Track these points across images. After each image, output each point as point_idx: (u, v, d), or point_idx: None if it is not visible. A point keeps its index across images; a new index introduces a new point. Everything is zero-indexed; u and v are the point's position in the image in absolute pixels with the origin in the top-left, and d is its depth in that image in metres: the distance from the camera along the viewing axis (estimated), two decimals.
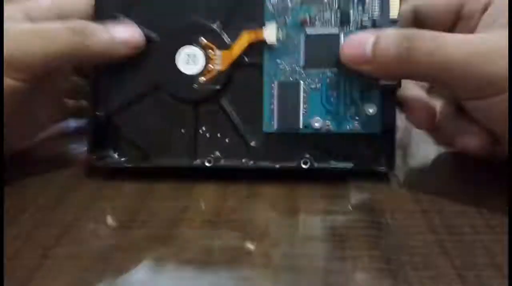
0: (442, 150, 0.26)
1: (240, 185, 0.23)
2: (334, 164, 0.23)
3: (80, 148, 0.28)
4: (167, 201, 0.22)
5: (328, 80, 0.22)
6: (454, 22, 0.23)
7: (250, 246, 0.18)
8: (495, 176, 0.23)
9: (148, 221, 0.20)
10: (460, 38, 0.19)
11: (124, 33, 0.23)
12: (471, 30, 0.21)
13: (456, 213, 0.20)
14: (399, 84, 0.21)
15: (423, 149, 0.27)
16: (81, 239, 0.19)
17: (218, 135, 0.23)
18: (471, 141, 0.22)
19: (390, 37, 0.19)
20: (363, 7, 0.21)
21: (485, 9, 0.21)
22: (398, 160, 0.25)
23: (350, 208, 0.21)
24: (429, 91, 0.24)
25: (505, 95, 0.18)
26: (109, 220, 0.21)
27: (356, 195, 0.22)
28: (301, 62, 0.22)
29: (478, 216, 0.20)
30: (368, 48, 0.19)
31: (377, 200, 0.21)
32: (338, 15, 0.22)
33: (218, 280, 0.16)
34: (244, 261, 0.18)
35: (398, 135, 0.28)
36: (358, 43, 0.20)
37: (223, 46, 0.23)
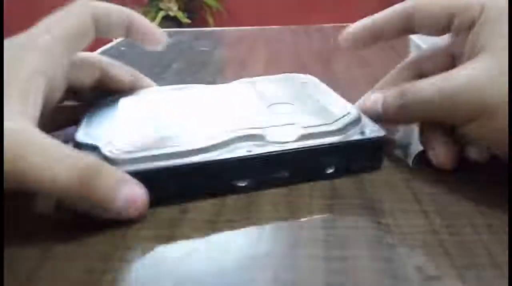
0: None
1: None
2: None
3: None
4: None
5: None
6: (445, 30, 0.25)
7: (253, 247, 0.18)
8: (495, 176, 0.23)
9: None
10: (439, 81, 0.22)
11: (130, 191, 0.19)
12: (461, 46, 0.24)
13: (456, 213, 0.20)
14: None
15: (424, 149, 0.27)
16: (81, 239, 0.19)
17: None
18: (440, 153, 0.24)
19: (390, 97, 0.24)
20: None
21: (471, 25, 0.23)
22: (399, 160, 0.25)
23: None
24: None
25: (486, 120, 0.21)
26: None
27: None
28: None
29: (478, 216, 0.20)
30: (380, 107, 0.25)
31: (377, 200, 0.21)
32: None
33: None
34: (245, 262, 0.18)
35: (399, 135, 0.28)
36: (373, 102, 0.25)
37: None
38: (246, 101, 0.27)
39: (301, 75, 0.31)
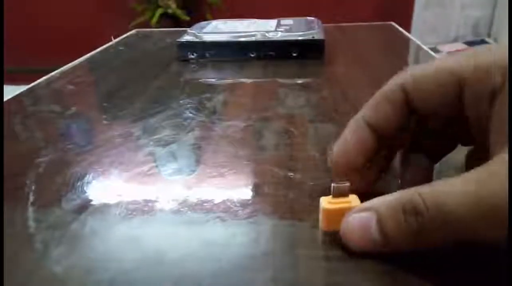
0: None
1: None
2: None
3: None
4: None
5: None
6: (457, 108, 0.18)
7: (251, 246, 0.18)
8: None
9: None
10: (461, 192, 0.15)
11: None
12: (485, 120, 0.17)
13: None
14: None
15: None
16: (81, 238, 0.19)
17: None
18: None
19: (392, 216, 0.17)
20: None
21: (493, 95, 0.17)
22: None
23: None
24: None
25: None
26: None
27: None
28: None
29: None
30: (375, 234, 0.17)
31: None
32: None
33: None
34: (244, 262, 0.18)
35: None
36: (361, 229, 0.17)
37: None
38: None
39: None
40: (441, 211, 0.15)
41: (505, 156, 0.15)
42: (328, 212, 0.19)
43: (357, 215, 0.18)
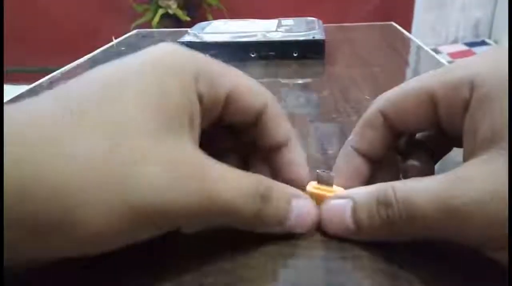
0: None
1: None
2: None
3: None
4: None
5: None
6: (433, 121, 0.19)
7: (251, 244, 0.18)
8: None
9: None
10: (431, 190, 0.16)
11: (305, 211, 0.18)
12: (460, 132, 0.18)
13: None
14: None
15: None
16: None
17: None
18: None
19: (366, 205, 0.18)
20: None
21: (464, 109, 0.18)
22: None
23: None
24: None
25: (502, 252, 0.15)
26: None
27: None
28: None
29: None
30: (349, 221, 0.18)
31: None
32: None
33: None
34: (245, 262, 0.18)
35: None
36: (337, 215, 0.18)
37: None
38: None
39: None
40: (409, 206, 0.16)
41: (473, 162, 0.16)
42: (310, 194, 0.19)
43: (335, 201, 0.19)
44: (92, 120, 0.14)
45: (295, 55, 0.48)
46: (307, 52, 0.48)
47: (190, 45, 0.49)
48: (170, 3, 1.96)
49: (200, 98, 0.17)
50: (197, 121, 0.17)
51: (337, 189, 0.20)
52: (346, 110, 0.33)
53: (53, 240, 0.14)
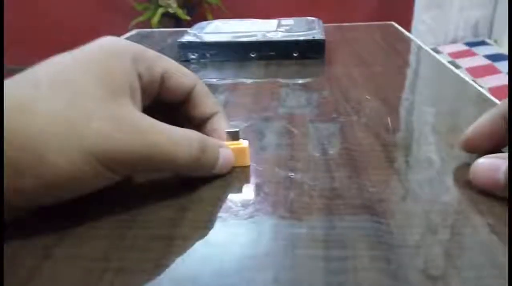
0: (442, 150, 0.26)
1: None
2: None
3: None
4: None
5: None
6: None
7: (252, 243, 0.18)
8: None
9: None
10: None
11: (227, 157, 0.24)
12: None
13: (456, 213, 0.20)
14: None
15: (425, 150, 0.27)
16: (81, 239, 0.19)
17: None
18: None
19: None
20: None
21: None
22: (400, 161, 0.25)
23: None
24: None
25: None
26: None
27: None
28: None
29: (478, 217, 0.20)
30: (501, 177, 0.20)
31: (377, 200, 0.21)
32: None
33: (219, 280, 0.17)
34: (245, 262, 0.18)
35: (400, 135, 0.28)
36: (489, 170, 0.21)
37: None
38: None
39: None
40: None
41: None
42: None
43: (493, 159, 0.21)
44: (52, 90, 0.19)
45: (295, 55, 0.48)
46: (307, 52, 0.48)
47: (190, 45, 0.48)
48: (170, 2, 1.95)
49: (140, 77, 0.22)
50: (138, 95, 0.21)
51: (242, 142, 0.25)
52: (346, 110, 0.33)
53: (27, 181, 0.17)
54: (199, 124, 0.26)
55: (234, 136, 0.25)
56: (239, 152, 0.24)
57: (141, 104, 0.22)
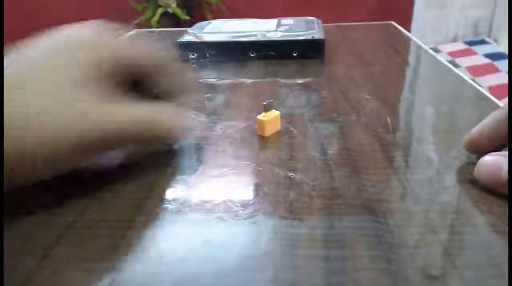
0: (442, 149, 0.26)
1: None
2: None
3: None
4: None
5: None
6: None
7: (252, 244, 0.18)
8: None
9: None
10: None
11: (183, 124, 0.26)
12: None
13: (456, 213, 0.20)
14: None
15: (424, 149, 0.27)
16: (81, 239, 0.19)
17: None
18: None
19: None
20: None
21: None
22: (399, 161, 0.25)
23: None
24: None
25: None
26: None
27: None
28: None
29: (478, 216, 0.20)
30: (503, 175, 0.21)
31: (377, 200, 0.21)
32: None
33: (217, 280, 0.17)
34: (245, 262, 0.18)
35: (400, 135, 0.28)
36: (493, 168, 0.21)
37: None
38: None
39: None
40: None
41: None
42: (260, 121, 0.28)
43: (495, 157, 0.22)
44: (33, 80, 0.21)
45: (294, 55, 0.48)
46: (307, 52, 0.48)
47: (190, 45, 0.49)
48: (170, 2, 1.95)
49: (111, 61, 0.23)
50: (106, 79, 0.23)
51: (275, 112, 0.29)
52: (346, 110, 0.33)
53: (27, 160, 0.19)
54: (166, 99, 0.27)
55: (269, 107, 0.29)
56: (273, 119, 0.29)
57: (112, 86, 0.23)
